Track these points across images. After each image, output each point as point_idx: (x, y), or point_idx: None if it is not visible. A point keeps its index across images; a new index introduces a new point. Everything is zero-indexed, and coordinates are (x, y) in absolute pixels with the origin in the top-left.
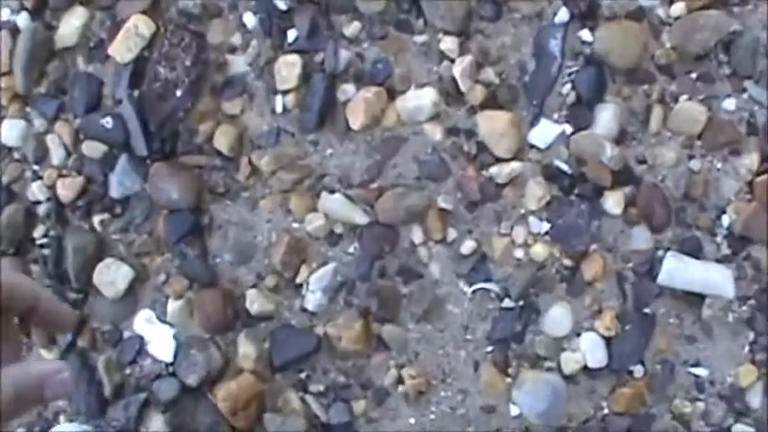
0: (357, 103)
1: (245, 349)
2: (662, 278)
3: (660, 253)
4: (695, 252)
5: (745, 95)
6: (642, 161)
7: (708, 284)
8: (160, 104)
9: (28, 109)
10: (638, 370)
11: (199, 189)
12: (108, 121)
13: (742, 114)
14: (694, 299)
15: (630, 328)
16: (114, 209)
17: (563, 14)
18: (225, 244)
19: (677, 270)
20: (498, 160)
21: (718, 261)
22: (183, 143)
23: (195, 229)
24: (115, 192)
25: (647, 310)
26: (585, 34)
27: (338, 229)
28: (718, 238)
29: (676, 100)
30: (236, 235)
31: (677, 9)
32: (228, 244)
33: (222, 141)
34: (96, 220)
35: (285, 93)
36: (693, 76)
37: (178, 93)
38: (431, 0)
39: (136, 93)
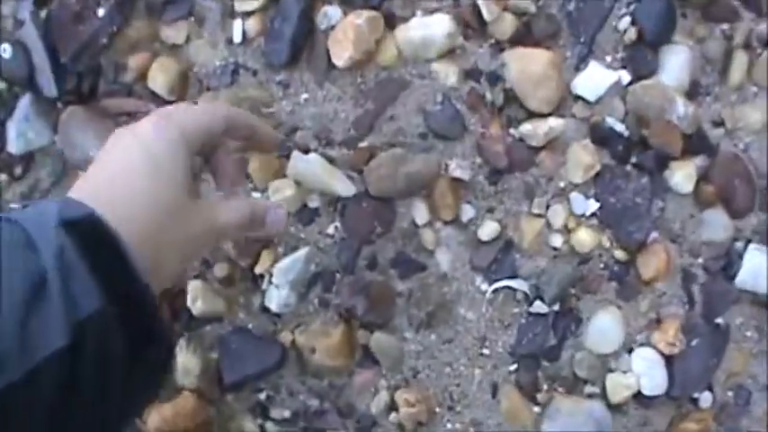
0: (344, 31)
1: (186, 361)
2: (741, 278)
3: (740, 245)
4: None
5: None
6: (719, 123)
7: None
8: (75, 28)
9: None
10: (706, 398)
11: None
12: (5, 49)
13: None
14: None
15: (698, 344)
16: (14, 168)
17: None
18: None
19: (761, 268)
20: (532, 115)
21: None
22: (106, 81)
23: None
24: (14, 146)
25: (719, 321)
26: None
27: (313, 203)
28: None
29: (765, 44)
30: None
31: None
32: None
33: (160, 80)
34: None
35: (246, 16)
36: None
37: (100, 12)
38: None
39: (43, 12)
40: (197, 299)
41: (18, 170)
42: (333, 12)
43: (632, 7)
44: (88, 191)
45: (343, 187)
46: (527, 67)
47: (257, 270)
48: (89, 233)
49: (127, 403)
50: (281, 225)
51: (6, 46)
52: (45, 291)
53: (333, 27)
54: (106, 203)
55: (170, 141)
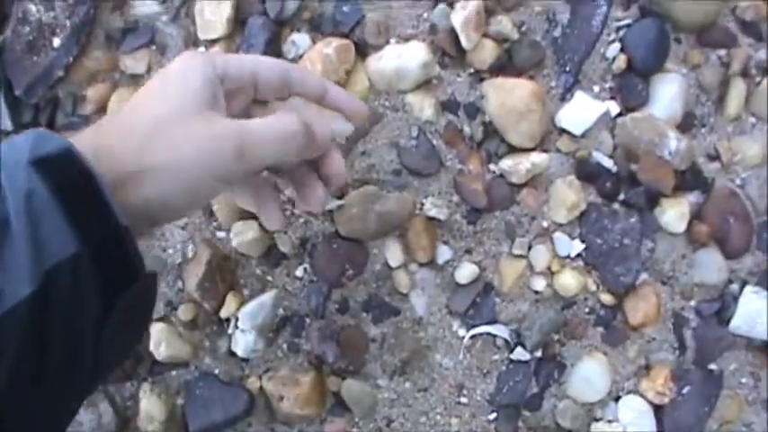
0: (311, 60)
1: (150, 407)
2: (736, 323)
3: (735, 287)
4: None
5: None
6: (714, 157)
7: None
8: (30, 59)
9: None
10: None
11: None
12: None
13: None
14: None
15: (689, 392)
16: None
17: None
18: None
19: (758, 312)
20: (513, 150)
21: None
22: (64, 114)
23: None
24: None
25: (712, 367)
26: None
27: (282, 244)
28: None
29: (765, 72)
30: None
31: None
32: None
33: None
34: None
35: (210, 44)
36: None
37: (56, 42)
38: None
39: None
40: (161, 343)
41: None
42: (300, 40)
43: (622, 33)
44: (101, 124)
45: (314, 227)
46: (508, 98)
47: (222, 314)
48: (63, 170)
49: (103, 353)
50: (347, 131)
51: None
52: (7, 238)
53: (301, 56)
54: (100, 134)
55: (188, 66)
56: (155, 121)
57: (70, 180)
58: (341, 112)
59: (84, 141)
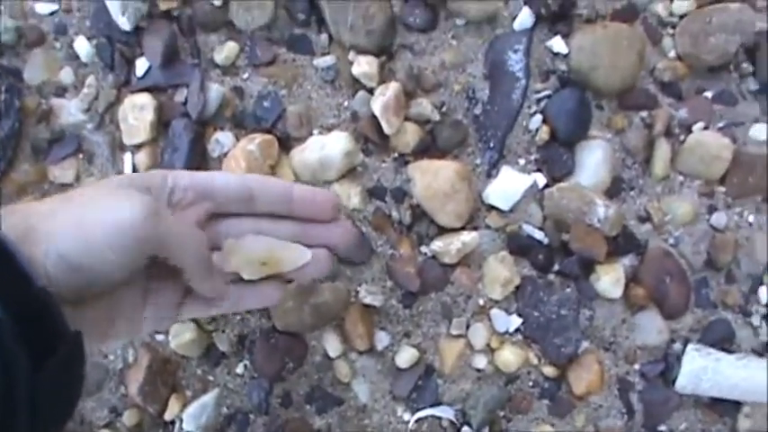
0: (236, 158)
1: None
2: (681, 383)
3: (677, 347)
4: (726, 342)
5: None
6: (646, 218)
7: (745, 387)
8: None
9: None
10: None
11: None
12: None
13: None
14: (727, 408)
15: None
16: None
17: (525, 17)
18: None
19: (702, 369)
20: (443, 231)
21: (757, 353)
22: None
23: None
24: None
25: (662, 428)
26: (558, 44)
27: (221, 343)
28: (755, 320)
29: (688, 130)
30: None
31: (682, 4)
32: None
33: None
34: None
35: (136, 149)
36: (709, 95)
37: None
38: (337, 6)
39: None
40: None
41: None
42: (224, 138)
43: (542, 104)
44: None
45: (248, 324)
46: (434, 180)
47: (167, 417)
48: None
49: (39, 419)
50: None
51: None
52: None
53: (225, 154)
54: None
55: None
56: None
57: None
58: (306, 213)
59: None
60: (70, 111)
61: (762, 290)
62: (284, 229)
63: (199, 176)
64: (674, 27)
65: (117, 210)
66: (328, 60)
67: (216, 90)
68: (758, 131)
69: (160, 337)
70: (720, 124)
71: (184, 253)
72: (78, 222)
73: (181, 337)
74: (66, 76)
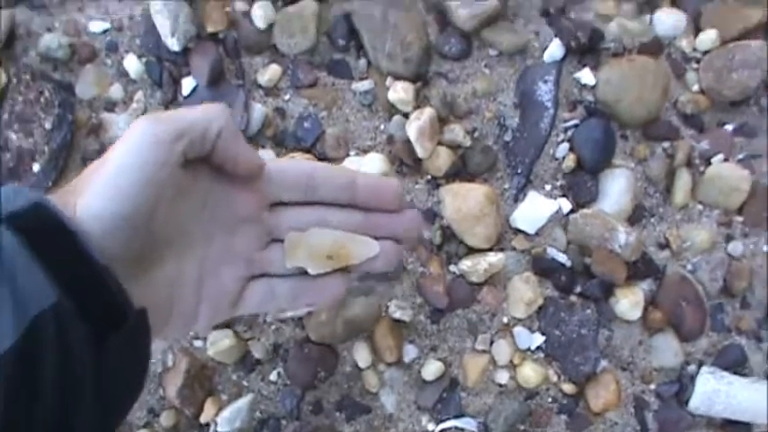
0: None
1: None
2: (695, 403)
3: (692, 369)
4: (739, 366)
5: None
6: (665, 245)
7: (756, 409)
8: (11, 183)
9: None
10: None
11: None
12: None
13: None
14: (739, 429)
15: None
16: None
17: (555, 50)
18: None
19: (715, 392)
20: (471, 251)
21: None
22: None
23: None
24: None
25: None
26: (586, 75)
27: (256, 351)
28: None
29: (708, 162)
30: None
31: (706, 40)
32: None
33: None
34: None
35: None
36: (729, 128)
37: (35, 167)
38: (375, 33)
39: None
40: None
41: None
42: (266, 155)
43: (570, 133)
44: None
45: (285, 333)
46: (464, 203)
47: (202, 419)
48: (34, 222)
49: (107, 396)
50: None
51: None
52: None
53: None
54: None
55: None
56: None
57: (42, 231)
58: (371, 202)
59: (56, 195)
60: (119, 125)
61: None
62: (349, 220)
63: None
64: (697, 62)
65: (149, 139)
66: (366, 85)
67: (259, 110)
68: None
69: (198, 344)
70: (740, 156)
71: (210, 126)
72: (104, 173)
73: (218, 343)
74: (116, 91)
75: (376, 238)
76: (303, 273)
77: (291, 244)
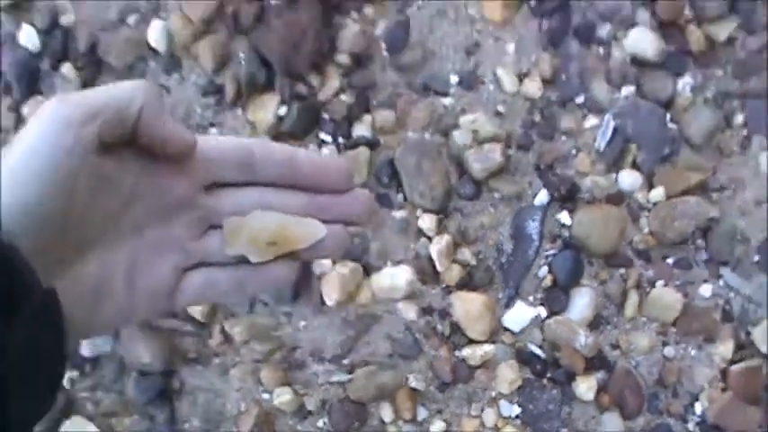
0: (332, 278)
1: None
2: None
3: None
4: None
5: (721, 282)
6: (616, 346)
7: None
8: None
9: None
10: None
11: (170, 353)
12: None
13: (717, 301)
14: None
15: None
16: (84, 367)
17: (543, 196)
18: (194, 409)
19: None
20: (472, 342)
21: None
22: None
23: (165, 392)
24: (86, 350)
25: None
26: (564, 217)
27: (309, 404)
28: (690, 426)
29: (653, 285)
30: (205, 401)
31: (656, 195)
32: (198, 410)
33: (196, 307)
34: (65, 377)
35: None
36: (670, 261)
37: None
38: (411, 176)
39: None
40: None
41: (87, 368)
42: (325, 262)
43: (549, 260)
44: None
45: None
46: (469, 306)
47: None
48: None
49: (15, 390)
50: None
51: None
52: None
53: (325, 274)
54: None
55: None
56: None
57: None
58: (315, 182)
59: None
60: None
61: (697, 404)
62: (293, 201)
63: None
64: (649, 211)
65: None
66: (402, 214)
67: None
68: (704, 290)
69: (266, 396)
70: (677, 283)
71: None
72: (12, 158)
73: (281, 397)
74: None
75: (325, 222)
76: (246, 260)
77: (231, 230)
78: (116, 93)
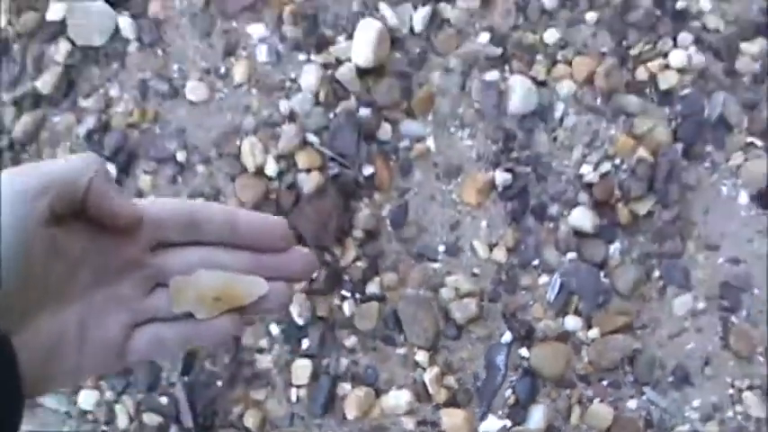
0: (352, 398)
1: None
2: None
3: None
4: None
5: (644, 398)
6: None
7: None
8: (205, 390)
9: (101, 382)
10: None
11: None
12: (164, 399)
13: (641, 413)
14: None
15: None
16: None
17: (507, 336)
18: None
19: None
20: None
21: None
22: (219, 419)
23: None
24: None
25: None
26: (524, 351)
27: None
28: None
29: (591, 402)
30: None
31: (593, 333)
32: None
33: (250, 421)
34: None
35: (299, 387)
36: (605, 383)
37: (219, 383)
38: (410, 322)
39: (186, 379)
40: None
41: None
42: (346, 387)
43: (513, 383)
44: None
45: None
46: (453, 419)
47: None
48: None
49: None
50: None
51: (165, 397)
52: None
53: (346, 395)
54: None
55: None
56: None
57: None
58: (256, 241)
59: None
60: (265, 362)
61: None
62: (236, 260)
63: (133, 201)
64: (588, 345)
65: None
66: (403, 350)
67: (344, 361)
68: (630, 404)
69: None
70: (610, 399)
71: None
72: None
73: None
74: (264, 343)
75: (268, 279)
76: (191, 315)
77: (177, 288)
78: (67, 167)
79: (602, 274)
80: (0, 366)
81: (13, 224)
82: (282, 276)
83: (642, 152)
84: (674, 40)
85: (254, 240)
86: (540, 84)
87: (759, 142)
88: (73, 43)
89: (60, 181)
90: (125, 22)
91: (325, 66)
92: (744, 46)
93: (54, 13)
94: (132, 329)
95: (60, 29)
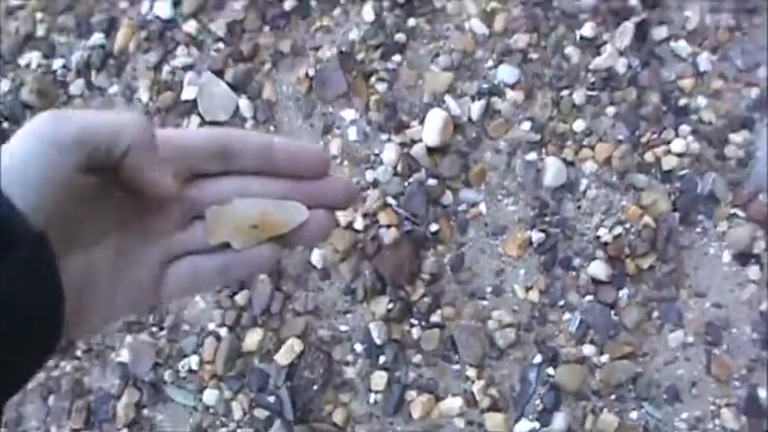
0: (417, 403)
1: None
2: None
3: None
4: None
5: (643, 410)
6: None
7: None
8: (303, 392)
9: (221, 384)
10: None
11: None
12: (271, 398)
13: (641, 422)
14: None
15: None
16: None
17: (538, 358)
18: None
19: None
20: None
21: None
22: (314, 415)
23: None
24: None
25: None
26: (551, 370)
27: None
28: None
29: (601, 411)
30: None
31: (604, 358)
32: None
33: (338, 417)
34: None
35: (376, 392)
36: (612, 397)
37: (315, 387)
38: (463, 346)
39: (289, 384)
40: None
41: None
42: (413, 393)
43: (541, 395)
44: None
45: None
46: (494, 422)
47: None
48: None
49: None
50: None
51: (272, 397)
52: None
53: (412, 400)
54: None
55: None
56: None
57: None
58: (294, 168)
59: None
60: (350, 375)
61: None
62: (274, 188)
63: (166, 132)
64: (600, 368)
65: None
66: (457, 367)
67: (411, 374)
68: (633, 415)
69: None
70: (616, 410)
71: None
72: (10, 159)
73: None
74: (350, 358)
75: (308, 208)
76: (229, 246)
77: (213, 218)
78: (109, 122)
79: (612, 312)
80: (38, 270)
81: (43, 168)
82: (323, 204)
83: (647, 219)
84: (676, 130)
85: (292, 168)
86: (569, 163)
87: (741, 213)
88: (202, 119)
89: (99, 136)
90: (244, 103)
91: (402, 144)
92: (731, 136)
93: (187, 93)
94: (167, 265)
95: (192, 107)
